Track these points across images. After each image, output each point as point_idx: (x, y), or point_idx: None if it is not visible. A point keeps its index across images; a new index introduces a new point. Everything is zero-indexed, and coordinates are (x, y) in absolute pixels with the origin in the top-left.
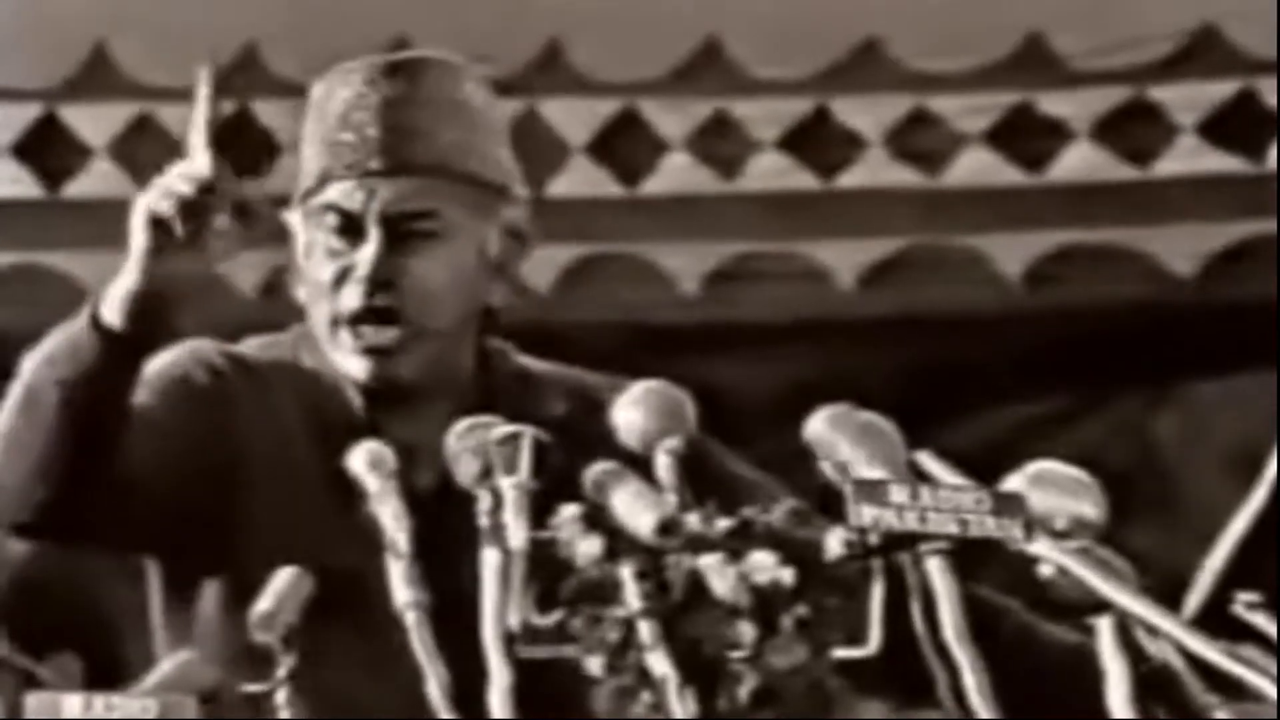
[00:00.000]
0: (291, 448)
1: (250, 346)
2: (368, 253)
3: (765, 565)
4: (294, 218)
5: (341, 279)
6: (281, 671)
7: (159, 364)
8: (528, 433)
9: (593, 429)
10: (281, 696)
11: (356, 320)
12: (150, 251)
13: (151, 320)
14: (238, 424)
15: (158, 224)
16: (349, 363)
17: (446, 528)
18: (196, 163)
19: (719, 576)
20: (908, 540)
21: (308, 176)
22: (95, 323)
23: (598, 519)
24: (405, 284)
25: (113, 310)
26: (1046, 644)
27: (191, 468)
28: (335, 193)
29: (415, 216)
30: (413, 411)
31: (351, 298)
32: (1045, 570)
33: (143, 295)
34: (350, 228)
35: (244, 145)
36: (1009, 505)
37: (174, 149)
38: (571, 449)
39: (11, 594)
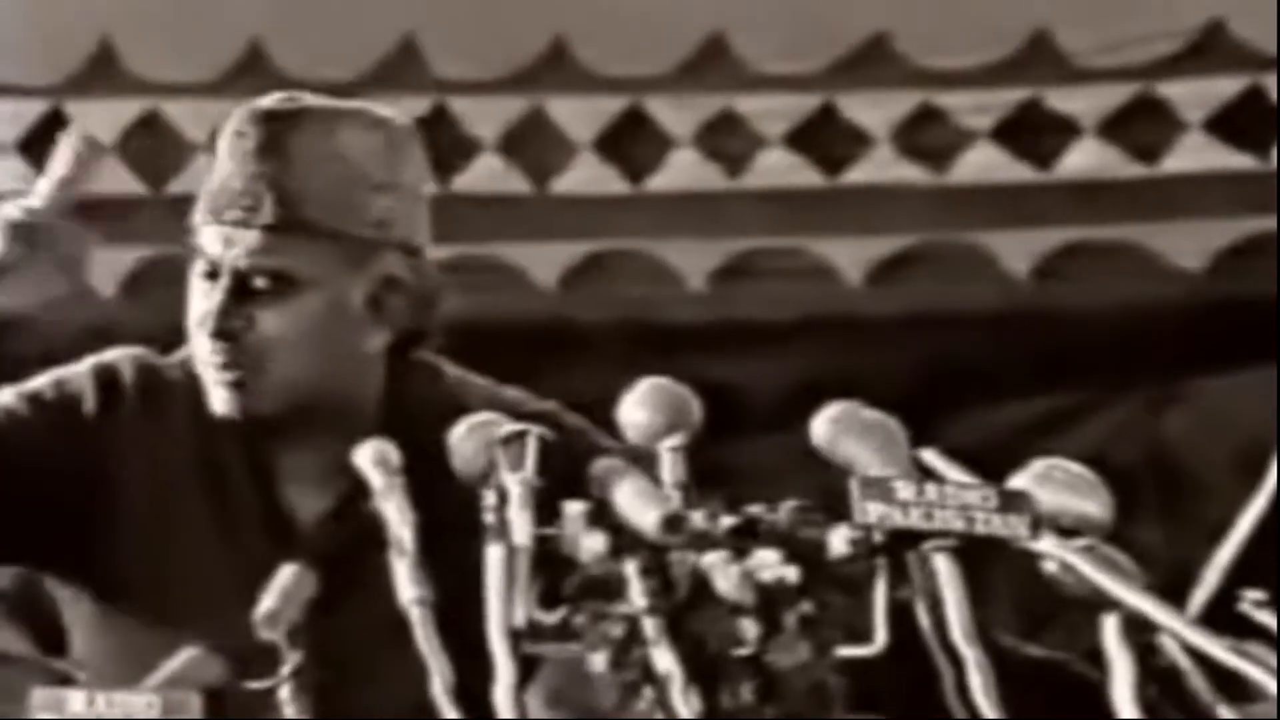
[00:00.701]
0: (175, 463)
1: (131, 358)
2: (212, 305)
3: (769, 563)
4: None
5: (201, 322)
6: (286, 669)
7: (60, 372)
8: (533, 431)
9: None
10: (285, 693)
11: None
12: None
13: None
14: (123, 438)
15: None
16: (213, 394)
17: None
18: (34, 197)
19: (723, 574)
20: (913, 538)
21: (198, 212)
22: None
23: (602, 516)
24: (248, 337)
25: None
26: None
27: (60, 479)
28: (204, 237)
29: (265, 272)
30: (302, 439)
31: (200, 345)
32: (1050, 567)
33: None
34: (212, 273)
35: None
36: (1015, 503)
37: (180, 145)
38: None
39: (23, 591)
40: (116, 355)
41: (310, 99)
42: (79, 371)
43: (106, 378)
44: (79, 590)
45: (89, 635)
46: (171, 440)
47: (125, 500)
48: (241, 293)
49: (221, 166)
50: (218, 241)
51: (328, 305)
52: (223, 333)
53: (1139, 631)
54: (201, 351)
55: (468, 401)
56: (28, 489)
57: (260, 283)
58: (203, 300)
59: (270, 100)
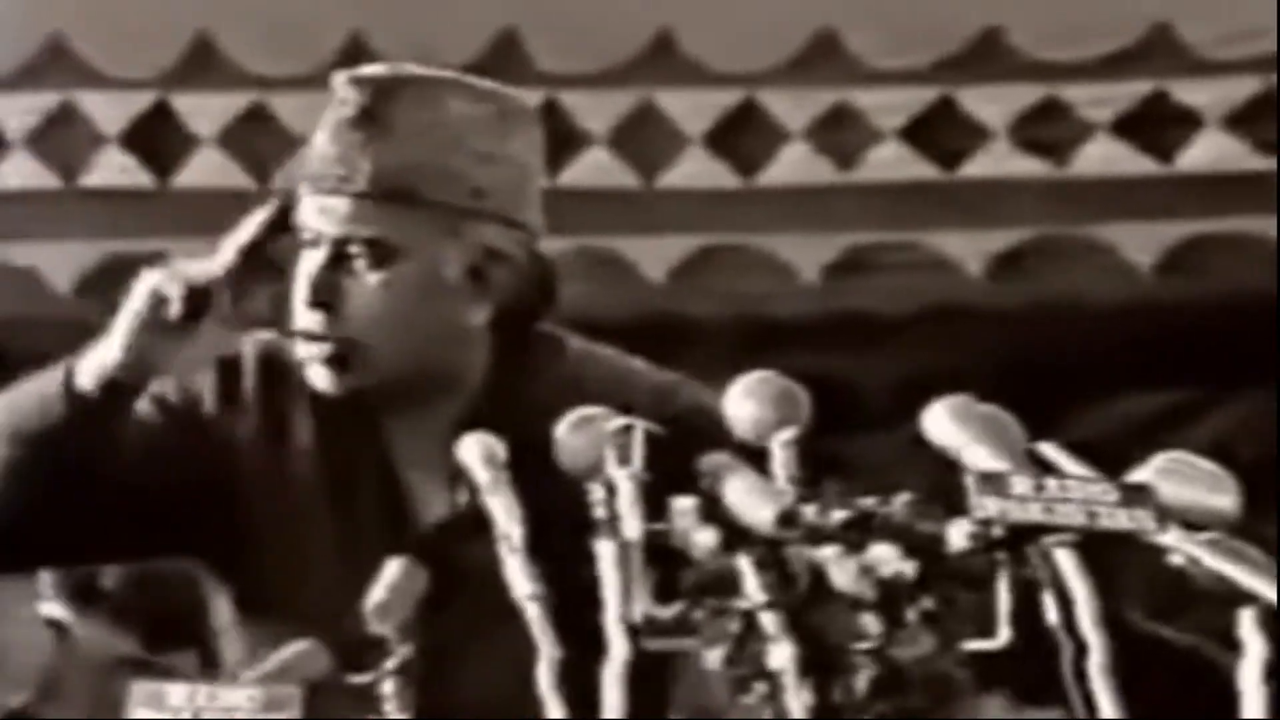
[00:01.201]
0: (294, 452)
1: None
2: (307, 274)
3: (887, 558)
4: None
5: (288, 295)
6: (391, 663)
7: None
8: (639, 424)
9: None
10: (388, 688)
11: (306, 337)
12: (140, 328)
13: (124, 392)
14: (241, 432)
15: (158, 303)
16: (312, 371)
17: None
18: (218, 260)
19: (840, 569)
20: (1033, 532)
21: (300, 185)
22: (69, 386)
23: (712, 511)
24: (344, 307)
25: (88, 377)
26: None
27: (188, 481)
28: (304, 209)
29: (360, 240)
30: (408, 415)
31: (300, 318)
32: (1177, 560)
33: (121, 367)
34: (314, 244)
35: None
36: (1139, 496)
37: (284, 139)
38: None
39: (128, 590)
40: (242, 343)
41: (415, 68)
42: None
43: (227, 371)
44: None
45: (231, 635)
46: (289, 428)
47: (248, 496)
48: (338, 262)
49: (318, 136)
50: (315, 212)
51: (423, 275)
52: (319, 303)
53: (1277, 623)
54: (300, 325)
55: (586, 373)
56: (164, 493)
57: (355, 250)
58: (302, 274)
59: (372, 68)
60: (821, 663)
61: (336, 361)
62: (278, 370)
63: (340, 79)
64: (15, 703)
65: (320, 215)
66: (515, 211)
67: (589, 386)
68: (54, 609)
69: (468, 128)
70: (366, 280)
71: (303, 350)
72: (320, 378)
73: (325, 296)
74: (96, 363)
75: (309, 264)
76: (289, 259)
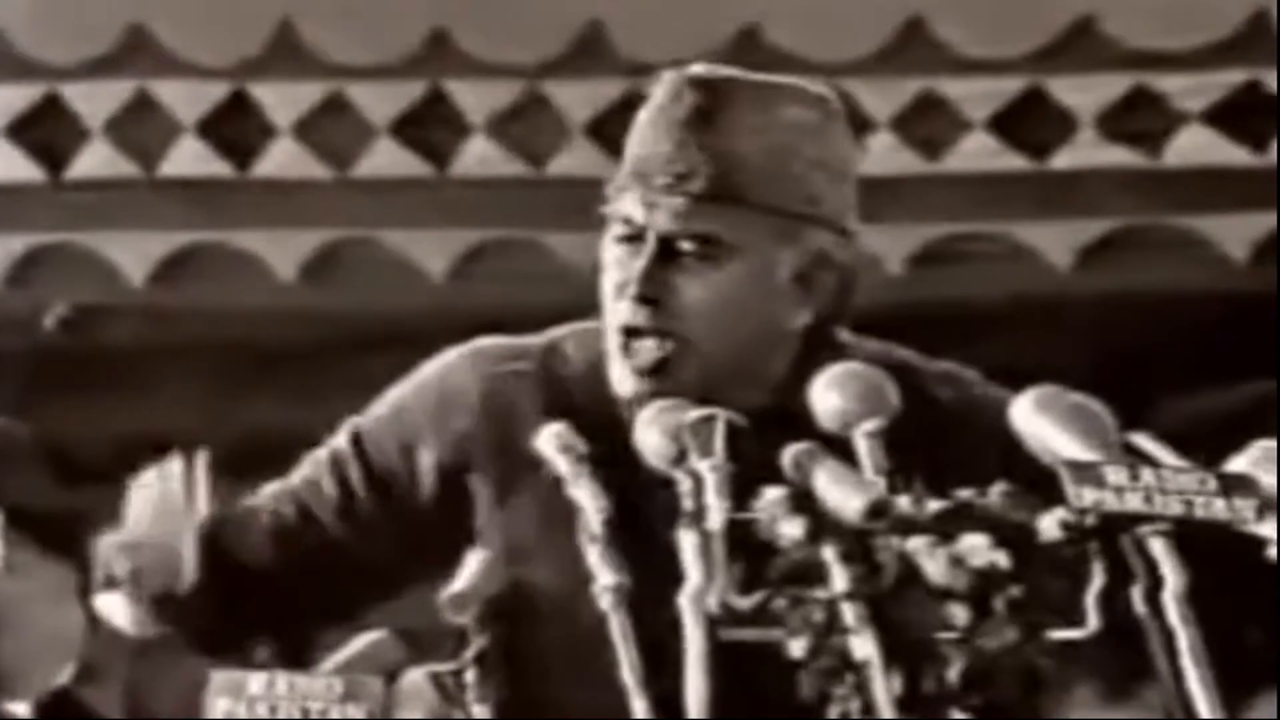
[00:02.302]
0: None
1: (545, 341)
2: (638, 268)
3: (979, 548)
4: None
5: (621, 289)
6: (470, 652)
7: (431, 379)
8: (721, 415)
9: (923, 420)
10: (470, 677)
11: (627, 333)
12: None
13: None
14: (495, 432)
15: None
16: (623, 380)
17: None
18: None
19: (930, 559)
20: (1128, 521)
21: (617, 178)
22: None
23: (802, 501)
24: (673, 303)
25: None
26: None
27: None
28: (625, 202)
29: (693, 237)
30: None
31: (623, 310)
32: (1273, 552)
33: None
34: (635, 239)
35: (434, 127)
36: (1238, 485)
37: (361, 129)
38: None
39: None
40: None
41: (741, 73)
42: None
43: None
44: None
45: None
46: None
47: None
48: (667, 258)
49: (646, 132)
50: (641, 206)
51: (754, 276)
52: (646, 297)
53: None
54: (618, 320)
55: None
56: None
57: (687, 247)
58: (618, 268)
59: (703, 69)
60: (907, 653)
61: (657, 364)
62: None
63: (675, 77)
64: (56, 684)
65: (648, 210)
66: (841, 218)
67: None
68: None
69: (801, 133)
70: (698, 277)
71: (613, 349)
72: (627, 380)
73: (655, 292)
74: None
75: (630, 259)
76: None
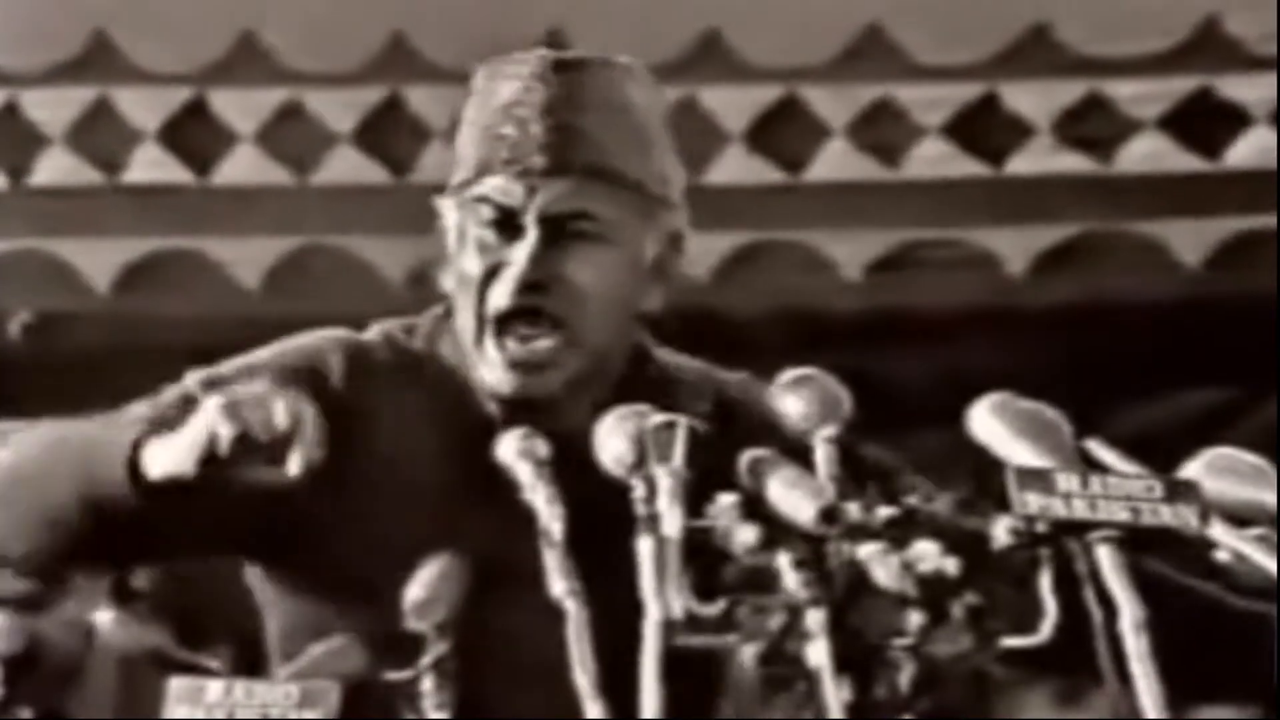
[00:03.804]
0: (419, 448)
1: (379, 334)
2: (523, 251)
3: (929, 554)
4: (447, 207)
5: (491, 276)
6: (427, 659)
7: (284, 357)
8: (682, 421)
9: (735, 428)
10: (427, 684)
11: (504, 320)
12: (208, 460)
13: (182, 495)
14: (354, 429)
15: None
16: (494, 375)
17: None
18: (281, 417)
19: (882, 566)
20: (1078, 528)
21: (464, 166)
22: (132, 469)
23: (755, 507)
24: (558, 287)
25: (153, 471)
26: (1227, 615)
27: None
28: (492, 187)
29: (574, 217)
30: (553, 413)
31: (501, 296)
32: (1223, 557)
33: (187, 482)
34: (505, 223)
35: (394, 134)
36: (1183, 492)
37: (320, 135)
38: (717, 448)
39: (166, 586)
40: (316, 347)
41: (588, 54)
42: (322, 345)
43: (355, 351)
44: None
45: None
46: (411, 430)
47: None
48: (550, 242)
49: (511, 115)
50: (516, 189)
51: (628, 259)
52: (534, 283)
53: None
54: (498, 304)
55: (690, 381)
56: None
57: (572, 226)
58: (486, 254)
59: (553, 53)
60: (861, 660)
61: (535, 363)
62: (406, 362)
63: (534, 61)
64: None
65: (526, 194)
66: (682, 200)
67: (678, 376)
68: (90, 611)
69: (651, 113)
70: (582, 259)
71: (488, 343)
72: (504, 381)
73: (543, 274)
74: (163, 467)
75: (499, 246)
76: None
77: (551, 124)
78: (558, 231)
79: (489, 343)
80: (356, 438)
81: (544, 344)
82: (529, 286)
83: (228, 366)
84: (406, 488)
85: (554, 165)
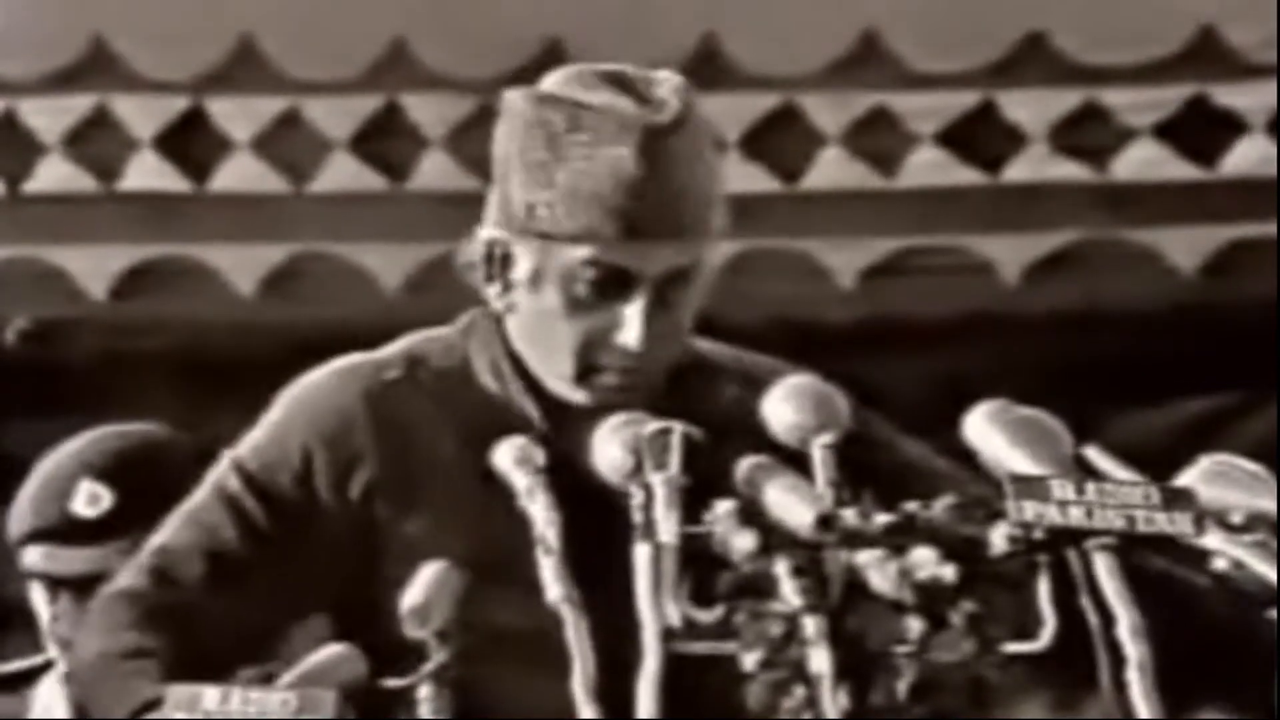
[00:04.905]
0: (455, 463)
1: (402, 351)
2: (636, 317)
3: (926, 561)
4: (523, 245)
5: (592, 334)
6: (428, 666)
7: (312, 424)
8: (677, 428)
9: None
10: (424, 692)
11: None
12: None
13: None
14: (389, 451)
15: None
16: (572, 392)
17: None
18: None
19: (879, 572)
20: (1074, 536)
21: (562, 223)
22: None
23: (752, 514)
24: (657, 341)
25: None
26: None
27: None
28: (604, 252)
29: (679, 274)
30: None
31: (609, 360)
32: (1219, 564)
33: None
34: (609, 282)
35: (391, 141)
36: (1179, 500)
37: (320, 143)
38: (742, 433)
39: None
40: (340, 383)
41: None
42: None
43: (378, 394)
44: None
45: None
46: (443, 445)
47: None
48: (658, 301)
49: (613, 183)
50: (630, 256)
51: (692, 300)
52: (640, 347)
53: None
54: (604, 363)
55: (719, 367)
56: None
57: (676, 284)
58: (584, 312)
59: (641, 110)
60: (860, 666)
61: (621, 391)
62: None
63: (626, 118)
64: None
65: (643, 258)
66: None
67: (710, 363)
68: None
69: (717, 164)
70: (680, 310)
71: (570, 374)
72: (581, 395)
73: (651, 337)
74: None
75: (608, 301)
76: None
77: (663, 192)
78: (663, 289)
79: (567, 373)
80: (392, 489)
81: (633, 386)
82: (638, 350)
83: (260, 437)
84: (450, 516)
85: (667, 231)
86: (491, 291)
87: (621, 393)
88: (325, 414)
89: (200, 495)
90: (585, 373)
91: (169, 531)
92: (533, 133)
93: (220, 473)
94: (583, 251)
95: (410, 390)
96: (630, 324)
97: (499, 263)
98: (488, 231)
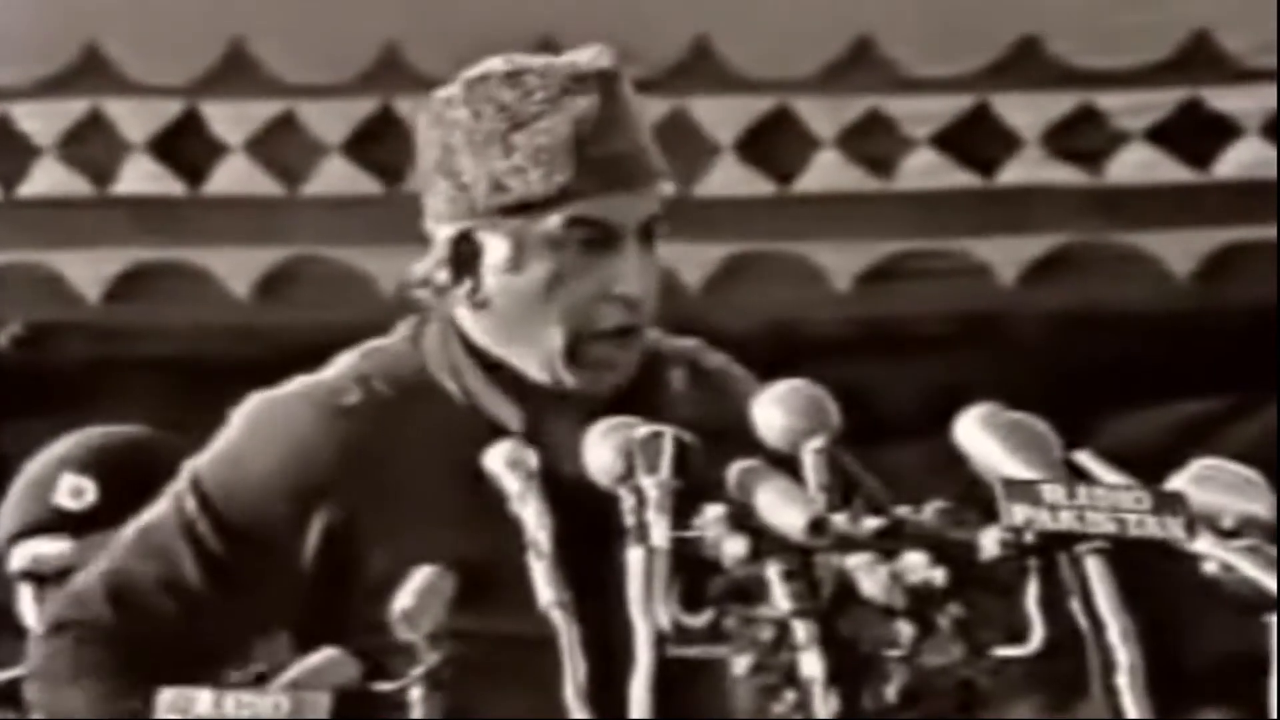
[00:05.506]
0: (432, 478)
1: (351, 371)
2: (630, 268)
3: (916, 565)
4: (493, 232)
5: (579, 303)
6: (418, 670)
7: (267, 430)
8: (668, 432)
9: (713, 396)
10: (415, 695)
11: (602, 336)
12: None
13: None
14: (359, 484)
15: None
16: (562, 374)
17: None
18: None
19: (869, 577)
20: (1065, 540)
21: (536, 185)
22: None
23: (743, 518)
24: (648, 293)
25: None
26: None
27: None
28: (594, 206)
29: (651, 224)
30: (565, 410)
31: (612, 316)
32: (1210, 568)
33: None
34: (598, 241)
35: (384, 144)
36: (1170, 504)
37: (313, 146)
38: (699, 428)
39: None
40: (296, 407)
41: (598, 58)
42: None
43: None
44: None
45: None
46: (418, 458)
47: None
48: (643, 252)
49: (593, 132)
50: (618, 207)
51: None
52: (637, 297)
53: None
54: (606, 323)
55: (672, 356)
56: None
57: (654, 234)
58: (582, 275)
59: (588, 62)
60: (851, 670)
61: (611, 362)
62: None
63: (567, 72)
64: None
65: (625, 211)
66: None
67: (664, 354)
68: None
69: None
70: (650, 264)
71: (563, 352)
72: (571, 379)
73: (644, 290)
74: None
75: (598, 260)
76: None
77: (629, 138)
78: (645, 240)
79: (558, 352)
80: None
81: (630, 354)
82: (636, 303)
83: (219, 455)
84: (433, 530)
85: (640, 179)
86: (462, 291)
87: (611, 370)
88: (285, 444)
89: (159, 512)
90: (574, 350)
91: (128, 553)
92: (477, 112)
93: (179, 489)
94: (564, 214)
95: (372, 413)
96: (628, 273)
97: (468, 258)
98: (447, 229)
